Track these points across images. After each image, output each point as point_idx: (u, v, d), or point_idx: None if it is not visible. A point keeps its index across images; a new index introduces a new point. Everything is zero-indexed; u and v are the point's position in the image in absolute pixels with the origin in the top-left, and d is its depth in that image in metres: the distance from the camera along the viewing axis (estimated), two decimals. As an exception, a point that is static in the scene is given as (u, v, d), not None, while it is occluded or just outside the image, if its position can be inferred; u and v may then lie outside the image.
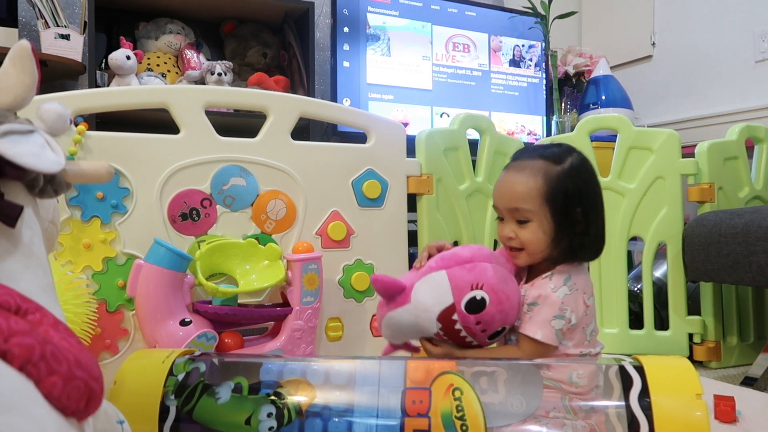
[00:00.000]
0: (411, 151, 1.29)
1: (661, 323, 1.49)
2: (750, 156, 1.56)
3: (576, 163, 0.87)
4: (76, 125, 0.98)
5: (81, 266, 0.98)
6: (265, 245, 1.07)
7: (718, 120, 2.13)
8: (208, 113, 1.08)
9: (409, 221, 1.28)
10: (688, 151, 1.49)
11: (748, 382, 1.23)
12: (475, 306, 0.82)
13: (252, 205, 1.10)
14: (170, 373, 0.73)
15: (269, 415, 0.69)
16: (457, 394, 0.67)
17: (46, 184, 0.53)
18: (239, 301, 1.05)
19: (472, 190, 1.41)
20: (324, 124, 1.90)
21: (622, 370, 0.66)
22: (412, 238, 1.29)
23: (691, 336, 1.44)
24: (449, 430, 0.66)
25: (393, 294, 0.87)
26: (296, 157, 1.14)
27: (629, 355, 0.73)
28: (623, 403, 0.63)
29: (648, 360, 0.68)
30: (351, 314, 1.19)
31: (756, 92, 2.03)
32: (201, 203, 1.07)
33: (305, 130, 1.81)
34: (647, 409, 0.61)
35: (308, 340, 1.05)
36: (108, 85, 1.67)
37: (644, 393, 0.63)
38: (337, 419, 0.68)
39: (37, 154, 0.51)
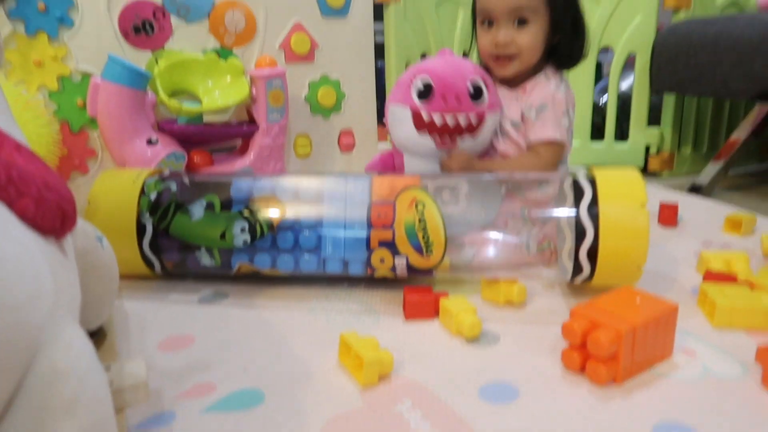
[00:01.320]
0: (378, -46, 1.20)
1: (622, 134, 1.54)
2: (734, -42, 1.49)
3: None
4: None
5: (35, 85, 0.94)
6: (226, 60, 1.03)
7: None
8: None
9: (376, 32, 1.23)
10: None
11: (695, 189, 1.31)
12: (421, 94, 0.84)
13: (208, 16, 1.04)
14: (142, 192, 0.75)
15: (242, 229, 0.72)
16: (420, 207, 0.71)
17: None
18: (205, 119, 1.04)
19: (442, -2, 1.34)
20: None
21: (575, 182, 0.70)
22: (379, 50, 1.25)
23: (648, 147, 1.50)
24: (411, 240, 0.71)
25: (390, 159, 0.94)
26: (253, -40, 1.05)
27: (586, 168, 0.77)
28: (574, 211, 0.68)
29: (600, 171, 0.72)
30: (318, 130, 1.19)
31: None
32: (153, 14, 1.00)
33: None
34: (595, 218, 0.66)
35: (277, 157, 1.07)
36: None
37: (593, 203, 0.67)
38: (306, 232, 0.72)
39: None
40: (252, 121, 1.06)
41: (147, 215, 0.73)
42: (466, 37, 1.41)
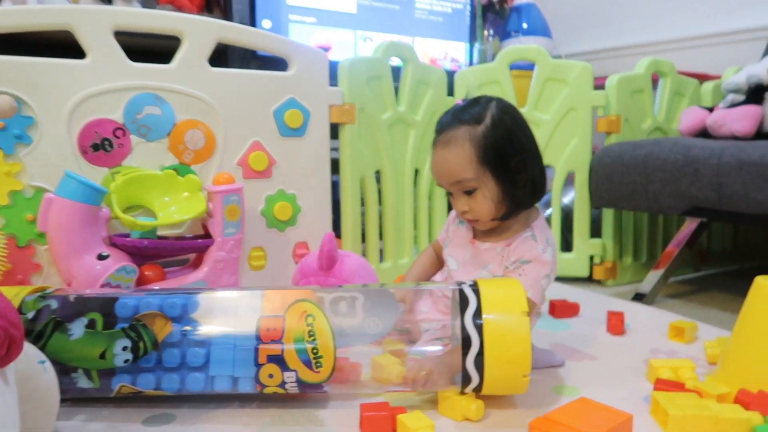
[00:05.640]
0: (333, 77, 1.28)
1: (567, 245, 1.61)
2: (655, 88, 1.66)
3: (497, 114, 0.83)
4: (-33, 47, 0.90)
5: (-15, 200, 0.93)
6: (184, 176, 1.05)
7: (629, 51, 2.23)
8: (117, 33, 1.02)
9: (332, 149, 1.28)
10: (599, 83, 1.56)
11: (638, 297, 1.36)
12: None
13: (169, 135, 1.07)
14: (19, 311, 0.71)
15: (124, 348, 0.70)
16: (310, 320, 0.71)
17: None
18: (159, 233, 1.04)
19: (394, 120, 1.42)
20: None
21: (461, 293, 0.72)
22: (335, 166, 1.30)
23: (591, 257, 1.57)
24: (301, 355, 0.70)
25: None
26: (214, 84, 1.11)
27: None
28: (460, 321, 0.69)
29: (484, 283, 0.74)
30: (274, 244, 1.20)
31: (666, 25, 2.12)
32: (113, 133, 1.02)
33: (223, 53, 1.73)
34: (479, 327, 0.68)
35: (231, 271, 1.06)
36: (1, 1, 1.51)
37: (478, 313, 0.69)
38: (194, 348, 0.71)
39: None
40: (207, 234, 1.07)
41: None
42: (417, 155, 1.48)
